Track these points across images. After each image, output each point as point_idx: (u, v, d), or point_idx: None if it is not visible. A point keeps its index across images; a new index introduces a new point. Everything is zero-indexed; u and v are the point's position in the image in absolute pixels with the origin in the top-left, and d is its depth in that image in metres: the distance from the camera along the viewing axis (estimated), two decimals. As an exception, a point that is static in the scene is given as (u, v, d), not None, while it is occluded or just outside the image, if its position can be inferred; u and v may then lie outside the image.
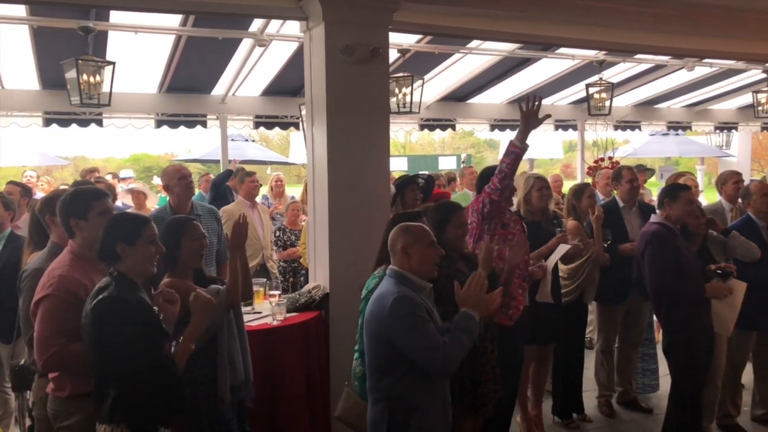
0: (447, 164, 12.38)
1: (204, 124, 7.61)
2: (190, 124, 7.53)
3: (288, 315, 3.96)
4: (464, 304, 2.69)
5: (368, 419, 2.72)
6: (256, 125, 7.90)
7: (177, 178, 4.21)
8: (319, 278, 4.31)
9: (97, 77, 5.43)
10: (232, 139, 10.22)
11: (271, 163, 12.33)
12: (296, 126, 7.95)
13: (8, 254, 4.02)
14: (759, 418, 4.70)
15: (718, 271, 4.00)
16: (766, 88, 8.30)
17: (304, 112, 5.35)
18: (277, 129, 8.19)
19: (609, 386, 5.04)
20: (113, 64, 5.51)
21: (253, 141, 14.23)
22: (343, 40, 4.06)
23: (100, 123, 7.19)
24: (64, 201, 2.81)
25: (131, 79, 6.53)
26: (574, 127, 9.70)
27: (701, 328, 3.92)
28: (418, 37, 6.13)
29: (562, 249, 4.14)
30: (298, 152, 11.98)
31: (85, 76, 5.34)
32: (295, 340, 3.83)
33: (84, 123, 7.11)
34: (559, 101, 9.23)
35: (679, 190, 4.06)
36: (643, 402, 5.02)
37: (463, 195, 7.10)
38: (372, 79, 4.19)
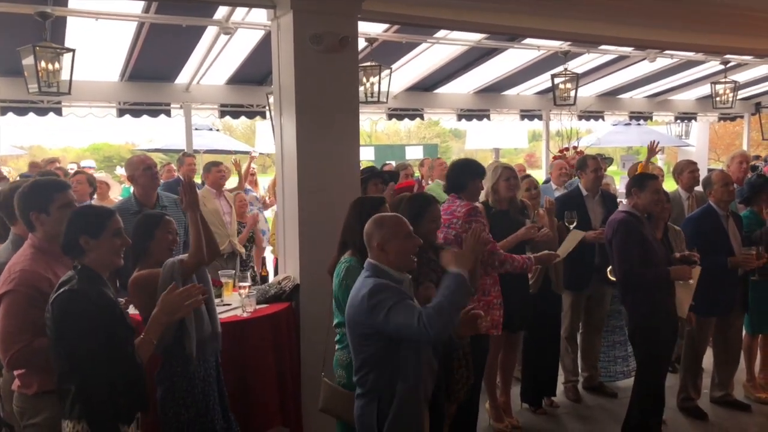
0: (414, 154, 12.42)
1: (168, 113, 7.46)
2: (154, 113, 7.36)
3: (258, 307, 3.93)
4: (451, 263, 2.67)
5: (355, 412, 2.70)
6: (222, 114, 7.77)
7: (142, 168, 4.13)
8: (288, 269, 4.28)
9: (56, 65, 5.26)
10: (196, 129, 10.06)
11: (236, 152, 12.17)
12: (263, 115, 7.85)
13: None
14: (718, 400, 4.86)
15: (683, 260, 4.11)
16: (723, 80, 8.52)
17: (271, 100, 5.28)
18: (241, 118, 8.07)
19: (574, 372, 5.15)
20: (73, 51, 5.35)
21: (218, 130, 14.02)
22: (311, 29, 4.01)
23: (59, 112, 6.99)
24: (23, 194, 2.72)
25: (92, 66, 6.36)
26: (539, 117, 9.82)
27: (666, 315, 4.02)
28: (385, 26, 6.11)
29: (577, 236, 4.20)
30: (264, 141, 11.85)
31: (43, 63, 5.16)
32: (265, 332, 3.79)
33: (42, 111, 6.90)
34: (525, 91, 9.33)
35: (646, 179, 4.14)
36: (608, 387, 5.14)
37: (435, 186, 7.10)
38: (341, 68, 4.16)
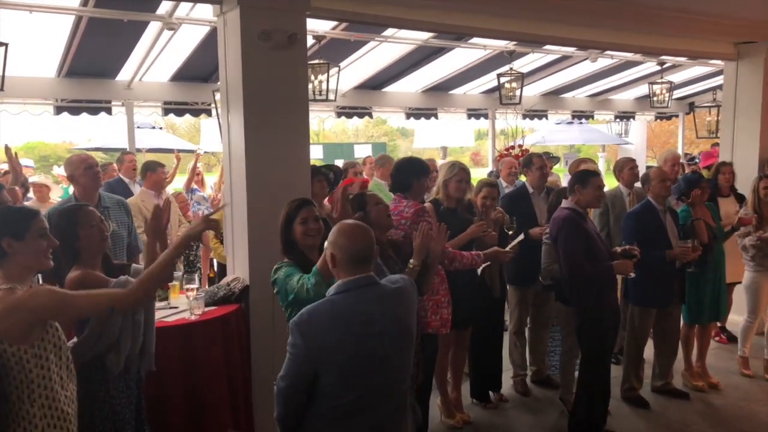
0: (363, 152, 12.41)
1: (109, 111, 7.22)
2: (93, 111, 7.11)
3: (206, 309, 3.85)
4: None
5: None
6: (166, 112, 7.57)
7: (83, 168, 3.96)
8: (238, 270, 4.21)
9: (-13, 59, 5.03)
10: (138, 127, 9.76)
11: (180, 151, 11.88)
12: (208, 113, 7.70)
13: None
14: (658, 389, 5.03)
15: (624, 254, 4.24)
16: (660, 80, 8.85)
17: (218, 98, 5.19)
18: (185, 116, 7.88)
19: (523, 366, 5.25)
20: (5, 45, 5.11)
21: (161, 128, 13.65)
22: (259, 26, 3.95)
23: (-10, 109, 6.69)
24: None
25: (26, 61, 6.10)
26: (485, 116, 9.97)
27: (609, 307, 4.16)
28: (333, 23, 6.09)
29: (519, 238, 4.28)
30: (209, 140, 11.61)
31: (-27, 58, 4.93)
32: (214, 335, 3.72)
33: (-28, 109, 6.59)
34: (471, 90, 9.45)
35: (589, 176, 4.26)
36: (555, 379, 5.25)
37: (375, 183, 7.09)
38: (290, 66, 4.11)
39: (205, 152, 10.89)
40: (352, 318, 2.29)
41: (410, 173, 4.05)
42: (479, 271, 4.31)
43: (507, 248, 4.23)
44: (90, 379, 2.77)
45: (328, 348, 2.25)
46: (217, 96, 5.67)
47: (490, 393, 4.94)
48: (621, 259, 4.19)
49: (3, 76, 5.14)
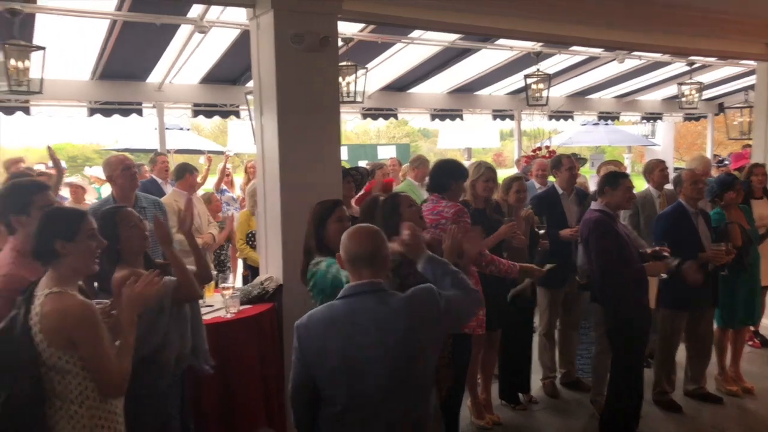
0: (386, 153, 12.45)
1: (140, 113, 7.34)
2: (125, 113, 7.24)
3: (240, 308, 3.90)
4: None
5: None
6: (195, 114, 7.68)
7: (121, 168, 4.05)
8: (271, 270, 4.26)
9: (26, 62, 5.14)
10: (167, 128, 9.90)
11: (209, 152, 12.03)
12: (237, 114, 7.79)
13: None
14: (691, 392, 4.98)
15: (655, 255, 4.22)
16: (689, 81, 8.74)
17: (250, 98, 5.25)
18: (213, 117, 7.99)
19: (552, 368, 5.23)
20: (43, 49, 5.23)
21: (188, 130, 13.83)
22: (292, 28, 4.00)
23: (27, 111, 6.83)
24: (2, 196, 2.68)
25: (61, 64, 6.23)
26: (511, 117, 9.93)
27: (641, 308, 4.14)
28: (361, 26, 6.13)
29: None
30: (236, 141, 11.72)
31: (13, 61, 5.04)
32: (249, 333, 3.77)
33: (9, 111, 6.74)
34: (497, 91, 9.43)
35: (619, 178, 4.25)
36: (585, 382, 5.22)
37: (407, 184, 7.12)
38: (322, 68, 4.15)
39: (234, 154, 11.01)
40: (344, 326, 2.23)
41: (448, 175, 4.07)
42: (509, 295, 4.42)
43: (543, 268, 4.23)
44: (139, 376, 2.81)
45: (318, 353, 2.24)
46: (249, 98, 5.74)
47: (519, 395, 4.93)
48: (651, 260, 4.17)
49: (41, 79, 5.26)
